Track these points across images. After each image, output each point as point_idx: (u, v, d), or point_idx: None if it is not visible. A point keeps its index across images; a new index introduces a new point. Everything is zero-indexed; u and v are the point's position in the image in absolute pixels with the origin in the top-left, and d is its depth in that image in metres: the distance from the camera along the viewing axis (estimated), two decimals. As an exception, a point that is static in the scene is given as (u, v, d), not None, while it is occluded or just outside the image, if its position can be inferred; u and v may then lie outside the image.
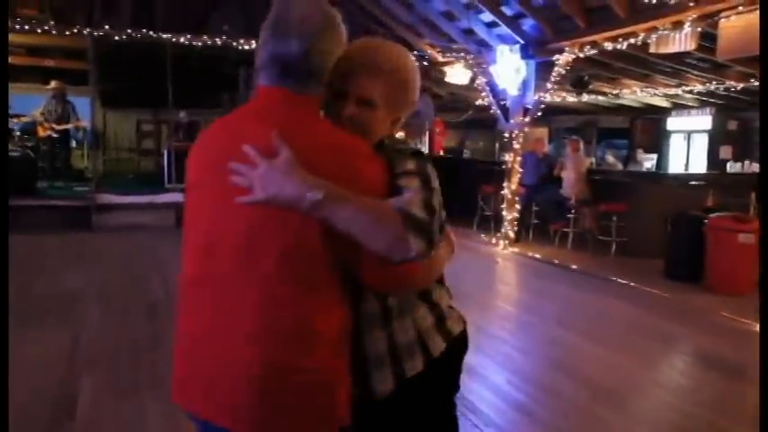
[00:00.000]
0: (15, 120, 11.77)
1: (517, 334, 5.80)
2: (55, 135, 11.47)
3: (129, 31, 9.40)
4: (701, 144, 16.09)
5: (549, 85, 9.45)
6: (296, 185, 1.31)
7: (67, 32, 9.63)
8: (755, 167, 12.43)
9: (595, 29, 8.27)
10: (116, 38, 9.41)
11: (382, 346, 1.64)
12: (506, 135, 10.03)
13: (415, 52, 10.85)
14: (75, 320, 5.55)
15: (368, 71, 1.56)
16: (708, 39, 7.56)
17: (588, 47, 8.64)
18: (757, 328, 5.80)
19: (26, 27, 9.59)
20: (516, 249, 9.58)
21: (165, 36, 9.69)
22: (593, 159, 14.32)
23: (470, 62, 10.63)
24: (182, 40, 10.00)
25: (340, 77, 1.55)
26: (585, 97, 14.09)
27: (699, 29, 7.07)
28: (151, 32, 9.45)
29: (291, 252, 1.43)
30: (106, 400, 3.95)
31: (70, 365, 4.53)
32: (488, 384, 4.42)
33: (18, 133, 11.59)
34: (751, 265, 6.69)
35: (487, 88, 10.36)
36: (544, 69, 9.53)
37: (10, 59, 12.85)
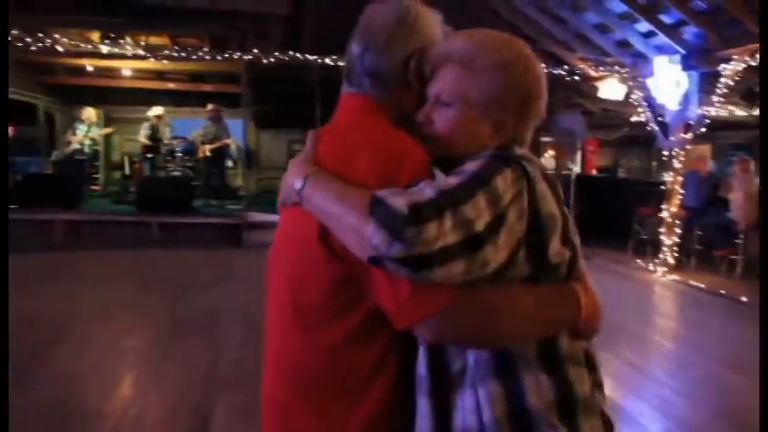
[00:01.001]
0: (175, 141, 12.45)
1: (678, 375, 5.22)
2: (209, 155, 12.00)
3: (277, 54, 9.66)
4: None
5: (714, 99, 8.69)
6: (291, 175, 1.24)
7: (219, 57, 10.05)
8: None
9: (769, 34, 7.51)
10: (264, 60, 9.69)
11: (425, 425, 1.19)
12: (665, 153, 9.38)
13: (566, 67, 10.42)
14: (217, 338, 5.62)
15: (448, 65, 1.29)
16: None
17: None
18: None
19: (183, 54, 10.09)
20: (676, 277, 8.84)
21: (311, 58, 9.88)
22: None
23: (625, 76, 10.07)
24: (327, 61, 10.16)
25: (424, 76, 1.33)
26: (756, 111, 12.97)
27: None
28: (298, 55, 9.66)
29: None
30: (238, 425, 3.90)
31: (208, 386, 4.54)
32: (643, 432, 3.98)
33: (180, 154, 12.23)
34: None
35: (644, 103, 9.78)
36: (708, 81, 8.82)
37: (172, 86, 13.74)
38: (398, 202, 1.05)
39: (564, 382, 1.18)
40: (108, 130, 13.91)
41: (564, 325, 1.22)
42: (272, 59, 9.62)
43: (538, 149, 12.28)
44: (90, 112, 12.48)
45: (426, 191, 1.07)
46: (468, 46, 1.28)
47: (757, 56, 7.92)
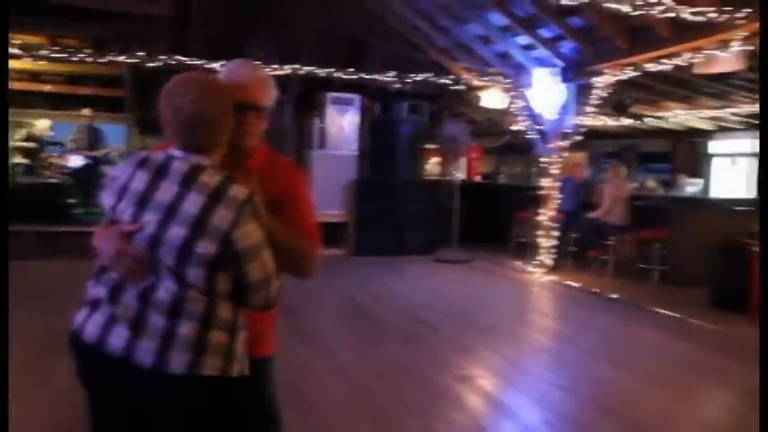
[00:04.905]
0: (51, 147, 11.88)
1: (555, 369, 5.49)
2: (84, 162, 11.51)
3: (162, 57, 9.39)
4: (746, 168, 15.59)
5: (588, 109, 9.21)
6: None
7: (100, 60, 9.68)
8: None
9: (637, 50, 8.03)
10: (149, 65, 9.41)
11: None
12: (543, 160, 9.80)
13: (451, 76, 10.71)
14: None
15: None
16: (756, 58, 7.25)
17: (629, 68, 8.39)
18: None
19: (63, 55, 9.66)
20: (553, 277, 9.28)
21: (198, 62, 9.69)
22: (635, 184, 13.96)
23: (507, 86, 10.46)
24: (215, 65, 9.99)
25: None
26: (626, 121, 13.79)
27: (747, 48, 6.78)
28: (184, 58, 9.44)
29: None
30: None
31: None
32: (523, 424, 4.17)
33: (54, 161, 11.67)
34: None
35: (524, 112, 10.17)
36: (583, 93, 9.29)
37: (49, 88, 13.08)
38: None
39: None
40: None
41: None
42: (157, 63, 9.36)
43: (423, 156, 12.55)
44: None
45: None
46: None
47: (626, 70, 8.47)
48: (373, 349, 5.61)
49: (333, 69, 10.16)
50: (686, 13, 6.43)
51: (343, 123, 11.29)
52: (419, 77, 10.51)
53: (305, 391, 4.32)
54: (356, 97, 11.37)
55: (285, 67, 9.78)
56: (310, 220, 2.15)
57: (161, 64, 9.44)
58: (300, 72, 10.00)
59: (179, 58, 9.50)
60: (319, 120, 11.26)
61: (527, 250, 10.23)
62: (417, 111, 11.95)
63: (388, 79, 10.45)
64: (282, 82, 9.46)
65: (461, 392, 4.65)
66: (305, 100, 11.42)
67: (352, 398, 4.43)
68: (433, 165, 14.03)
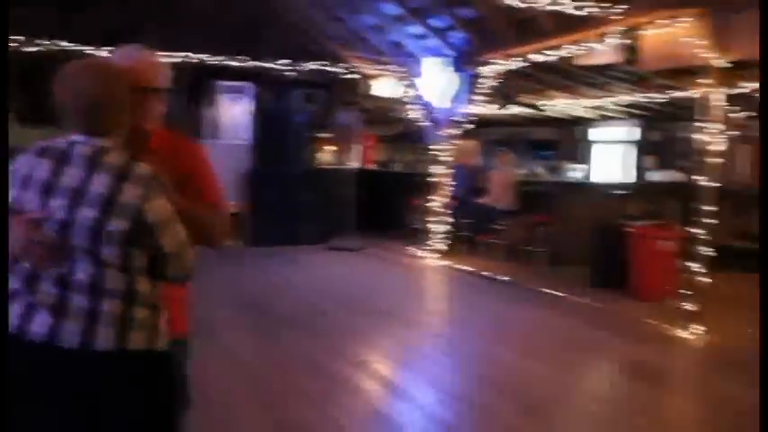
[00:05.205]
0: None
1: (448, 351, 5.69)
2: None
3: (45, 42, 8.95)
4: (624, 154, 16.48)
5: (477, 98, 9.48)
6: None
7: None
8: (677, 176, 12.76)
9: (523, 41, 8.33)
10: (28, 49, 8.95)
11: None
12: (435, 148, 10.01)
13: (344, 65, 10.73)
14: None
15: None
16: (633, 51, 7.67)
17: (516, 59, 8.69)
18: (680, 334, 5.89)
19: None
20: (445, 262, 9.53)
21: (85, 49, 9.28)
22: (523, 170, 14.46)
23: (399, 75, 10.59)
24: (103, 52, 9.60)
25: None
26: (515, 109, 14.24)
27: (623, 41, 7.18)
28: (71, 45, 9.01)
29: None
30: None
31: None
32: (417, 404, 4.31)
33: None
34: (671, 271, 6.82)
35: (416, 101, 10.34)
36: (473, 82, 9.54)
37: None
38: None
39: None
40: None
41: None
42: (38, 48, 8.90)
43: (317, 145, 12.54)
44: None
45: None
46: None
47: (513, 61, 8.77)
48: (270, 340, 5.61)
49: (224, 57, 9.99)
50: (569, 8, 6.75)
51: (235, 112, 11.13)
52: (312, 66, 10.48)
53: (201, 385, 4.25)
54: (249, 86, 11.22)
55: (176, 54, 9.53)
56: (216, 191, 2.22)
57: (42, 49, 9.00)
58: (191, 60, 9.77)
59: (62, 44, 9.09)
60: (211, 109, 11.06)
61: (421, 236, 10.43)
62: (311, 100, 11.91)
63: (281, 68, 10.37)
64: (173, 70, 9.17)
65: (358, 378, 4.73)
66: (196, 89, 11.16)
67: (249, 389, 4.43)
68: (327, 154, 14.05)
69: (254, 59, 10.14)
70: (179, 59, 9.53)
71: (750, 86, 5.80)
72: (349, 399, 4.36)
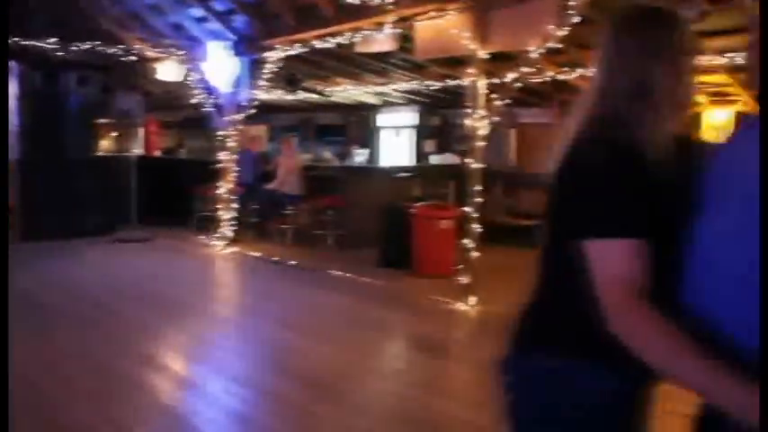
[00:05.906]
0: None
1: (235, 338, 5.67)
2: None
3: None
4: (407, 139, 17.24)
5: (261, 83, 9.44)
6: None
7: None
8: (454, 159, 13.58)
9: (304, 27, 8.41)
10: None
11: None
12: (220, 133, 9.84)
13: (122, 46, 10.15)
14: None
15: None
16: (408, 40, 8.04)
17: (299, 45, 8.76)
18: (458, 306, 6.33)
19: None
20: (235, 249, 9.44)
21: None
22: (309, 155, 14.64)
23: (182, 58, 10.25)
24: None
25: None
26: (301, 95, 14.34)
27: (398, 30, 7.50)
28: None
29: None
30: None
31: None
32: (203, 395, 4.26)
33: None
34: (450, 248, 7.30)
35: (201, 85, 10.08)
36: (258, 67, 9.49)
37: None
38: None
39: None
40: None
41: None
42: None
43: (96, 131, 11.75)
44: None
45: None
46: None
47: (295, 46, 8.83)
48: (44, 340, 5.23)
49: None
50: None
51: (-3, 94, 10.11)
52: (86, 46, 9.80)
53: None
54: (13, 65, 10.25)
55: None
56: None
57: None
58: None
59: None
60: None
61: (209, 224, 10.24)
62: (87, 82, 11.15)
63: (50, 46, 9.58)
64: None
65: (146, 375, 4.55)
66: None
67: (18, 395, 4.09)
68: (108, 140, 13.27)
69: (18, 36, 9.25)
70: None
71: (510, 76, 6.33)
72: (135, 397, 4.17)
